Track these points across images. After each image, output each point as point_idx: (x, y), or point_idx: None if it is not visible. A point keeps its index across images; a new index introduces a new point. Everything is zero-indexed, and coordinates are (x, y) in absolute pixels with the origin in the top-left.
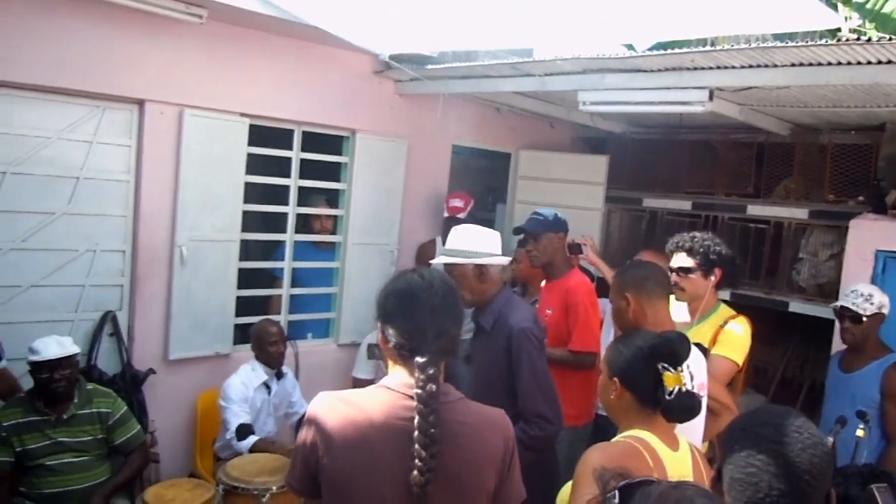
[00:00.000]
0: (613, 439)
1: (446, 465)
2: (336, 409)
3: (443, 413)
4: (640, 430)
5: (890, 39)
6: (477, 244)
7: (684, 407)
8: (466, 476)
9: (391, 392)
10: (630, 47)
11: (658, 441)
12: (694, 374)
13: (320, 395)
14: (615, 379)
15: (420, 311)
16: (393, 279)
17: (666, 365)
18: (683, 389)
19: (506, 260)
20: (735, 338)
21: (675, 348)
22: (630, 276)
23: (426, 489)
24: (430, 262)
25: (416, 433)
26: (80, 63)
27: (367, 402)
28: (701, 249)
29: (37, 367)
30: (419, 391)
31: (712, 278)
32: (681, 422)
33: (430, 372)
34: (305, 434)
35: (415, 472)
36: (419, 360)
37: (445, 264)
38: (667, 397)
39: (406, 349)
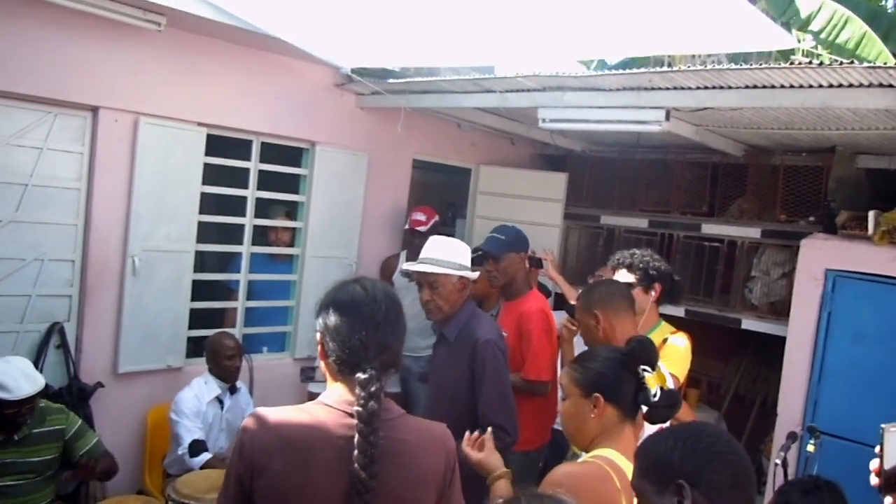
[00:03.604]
0: (580, 459)
1: (386, 484)
2: (270, 427)
3: (384, 431)
4: (608, 448)
5: (840, 63)
6: (459, 257)
7: (670, 403)
8: (407, 494)
9: (330, 409)
10: (590, 64)
11: (625, 460)
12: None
13: (254, 413)
14: (596, 395)
15: (363, 325)
16: (334, 289)
17: (646, 367)
18: (665, 388)
19: (475, 275)
20: (676, 352)
21: (648, 351)
22: (597, 293)
23: None
24: (414, 269)
25: (355, 452)
26: (31, 67)
27: (304, 420)
28: (640, 265)
29: (3, 404)
30: (360, 409)
31: (652, 294)
32: (664, 420)
33: (372, 389)
34: (238, 453)
35: (354, 493)
36: (360, 376)
37: (423, 272)
38: (652, 399)
39: (347, 364)
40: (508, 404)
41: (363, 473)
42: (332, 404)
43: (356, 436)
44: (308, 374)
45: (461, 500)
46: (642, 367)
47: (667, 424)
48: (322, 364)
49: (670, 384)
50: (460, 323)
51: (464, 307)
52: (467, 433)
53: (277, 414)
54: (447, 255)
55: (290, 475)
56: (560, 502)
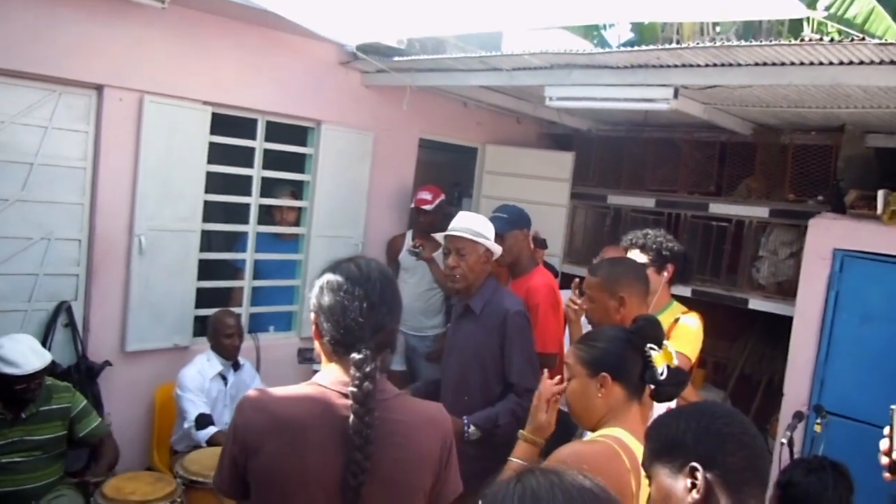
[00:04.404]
0: (587, 438)
1: (381, 465)
2: (265, 407)
3: (379, 411)
4: (616, 427)
5: (851, 40)
6: (486, 231)
7: (677, 382)
8: (402, 476)
9: (325, 390)
10: (598, 30)
11: (633, 439)
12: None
13: (249, 393)
14: (603, 374)
15: (357, 304)
16: (328, 269)
17: (653, 346)
18: (672, 366)
19: (500, 250)
20: (688, 333)
21: (655, 330)
22: (623, 276)
23: (360, 491)
24: (447, 234)
25: (350, 433)
26: (36, 45)
27: (299, 401)
28: (654, 246)
29: (12, 380)
30: (355, 390)
31: (665, 274)
32: (671, 399)
33: (367, 369)
34: (232, 434)
35: (348, 474)
36: (356, 356)
37: (454, 237)
38: (659, 377)
39: (342, 345)
40: (537, 370)
41: (358, 454)
42: (327, 385)
43: (351, 416)
44: (306, 355)
45: (458, 482)
46: (649, 345)
47: (673, 403)
48: (317, 344)
49: (677, 362)
50: (486, 296)
51: (487, 282)
52: (544, 374)
53: (271, 395)
54: (476, 226)
55: (283, 456)
56: (574, 477)
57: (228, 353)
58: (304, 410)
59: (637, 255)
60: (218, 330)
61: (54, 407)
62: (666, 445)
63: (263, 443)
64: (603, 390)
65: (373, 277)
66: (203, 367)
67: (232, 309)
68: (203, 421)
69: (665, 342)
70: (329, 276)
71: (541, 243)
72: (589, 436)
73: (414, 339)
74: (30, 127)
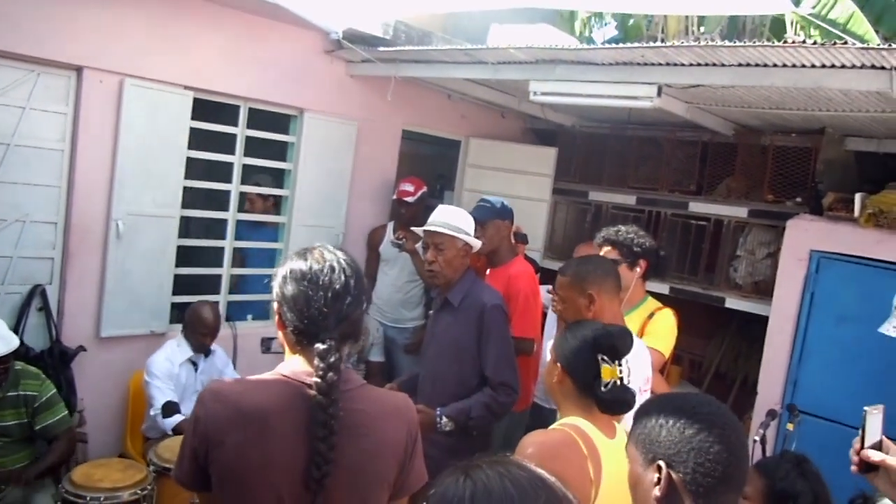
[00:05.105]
0: (551, 427)
1: (345, 456)
2: (226, 399)
3: (343, 402)
4: (578, 416)
5: (833, 43)
6: (465, 225)
7: (617, 400)
8: (366, 467)
9: (288, 381)
10: (585, 28)
11: (594, 429)
12: (634, 369)
13: (209, 386)
14: (558, 364)
15: (322, 294)
16: (292, 258)
17: (605, 357)
18: (618, 383)
19: (479, 244)
20: (663, 328)
21: (615, 342)
22: (591, 272)
23: (324, 482)
24: (425, 229)
25: (314, 424)
26: (14, 24)
27: (261, 392)
28: (625, 242)
29: None
30: (318, 380)
31: (637, 270)
32: (613, 414)
33: (331, 360)
34: (193, 427)
35: (312, 465)
36: (319, 346)
37: (432, 233)
38: (602, 389)
39: (305, 335)
40: (514, 365)
41: (322, 445)
42: (290, 375)
43: (315, 407)
44: (268, 344)
45: (423, 472)
46: (602, 355)
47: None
48: (280, 334)
49: (635, 386)
50: (464, 289)
51: (465, 275)
52: None
53: (233, 386)
54: (455, 220)
55: (246, 448)
56: (520, 466)
57: (199, 347)
58: (267, 401)
59: (609, 252)
60: (194, 325)
61: (20, 393)
62: (641, 434)
63: (225, 435)
64: (557, 376)
65: (337, 267)
66: (172, 352)
67: (212, 300)
68: (169, 409)
69: (622, 362)
70: (293, 265)
71: (522, 238)
72: (553, 424)
73: (393, 331)
74: (7, 107)
